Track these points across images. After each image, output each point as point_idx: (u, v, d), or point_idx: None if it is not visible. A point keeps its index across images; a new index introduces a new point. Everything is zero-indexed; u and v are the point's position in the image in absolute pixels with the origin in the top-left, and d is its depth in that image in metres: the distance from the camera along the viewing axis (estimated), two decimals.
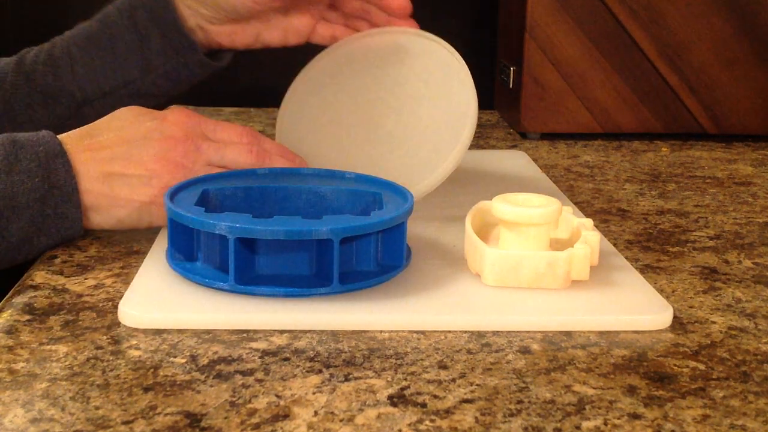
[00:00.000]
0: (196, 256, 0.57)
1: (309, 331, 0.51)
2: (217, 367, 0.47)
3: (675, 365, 0.48)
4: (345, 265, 0.55)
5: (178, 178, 0.62)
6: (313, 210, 0.62)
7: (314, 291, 0.53)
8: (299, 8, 0.78)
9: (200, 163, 0.64)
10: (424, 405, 0.43)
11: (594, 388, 0.45)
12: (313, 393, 0.44)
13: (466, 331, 0.51)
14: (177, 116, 0.65)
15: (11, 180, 0.59)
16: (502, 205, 0.57)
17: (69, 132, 0.64)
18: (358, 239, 0.55)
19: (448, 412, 0.43)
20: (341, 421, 0.42)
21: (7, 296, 0.56)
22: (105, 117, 0.66)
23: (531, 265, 0.55)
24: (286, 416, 0.42)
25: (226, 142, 0.66)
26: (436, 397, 0.44)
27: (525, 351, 0.49)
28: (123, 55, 0.79)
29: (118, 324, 0.51)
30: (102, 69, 0.78)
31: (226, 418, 0.42)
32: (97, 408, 0.42)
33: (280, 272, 0.55)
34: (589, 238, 0.57)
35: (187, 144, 0.64)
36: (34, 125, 0.78)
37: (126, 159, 0.62)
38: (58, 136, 0.62)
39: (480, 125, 1.14)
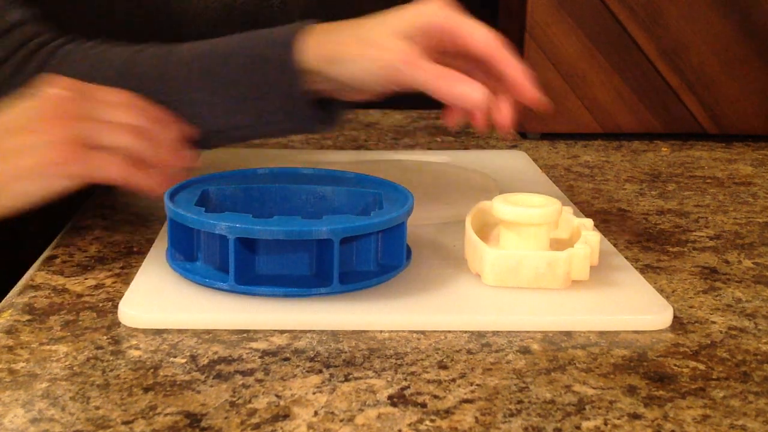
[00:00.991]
0: (196, 256, 0.57)
1: (309, 331, 0.51)
2: (217, 367, 0.47)
3: (675, 365, 0.48)
4: (345, 265, 0.55)
5: (68, 130, 0.57)
6: (313, 210, 0.62)
7: (314, 291, 0.53)
8: None
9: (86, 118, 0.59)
10: (424, 405, 0.43)
11: (594, 388, 0.45)
12: (313, 393, 0.44)
13: (466, 331, 0.51)
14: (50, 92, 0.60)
15: None
16: (502, 205, 0.57)
17: None
18: (358, 239, 0.55)
19: (448, 412, 0.43)
20: (341, 421, 0.42)
21: (7, 296, 0.56)
22: None
23: (531, 265, 0.55)
24: (286, 416, 0.42)
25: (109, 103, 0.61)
26: (436, 397, 0.44)
27: (525, 351, 0.49)
28: (236, 105, 0.71)
29: (118, 324, 0.51)
30: (214, 111, 0.71)
31: (226, 418, 0.42)
32: (97, 408, 0.42)
33: (280, 272, 0.55)
34: (589, 238, 0.57)
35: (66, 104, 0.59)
36: None
37: (15, 133, 0.57)
38: None
39: None
